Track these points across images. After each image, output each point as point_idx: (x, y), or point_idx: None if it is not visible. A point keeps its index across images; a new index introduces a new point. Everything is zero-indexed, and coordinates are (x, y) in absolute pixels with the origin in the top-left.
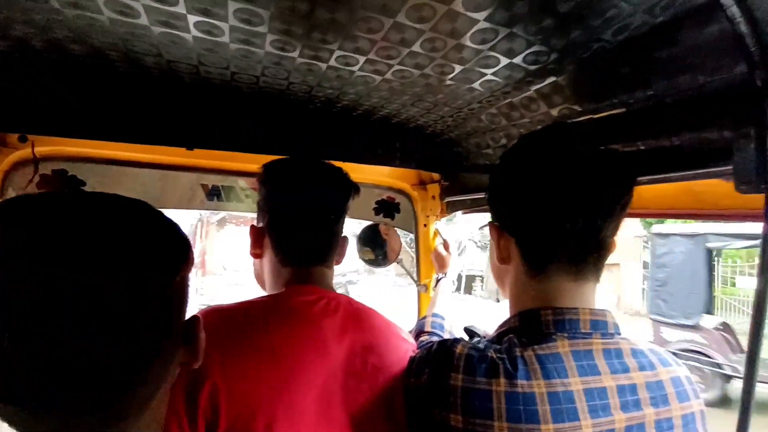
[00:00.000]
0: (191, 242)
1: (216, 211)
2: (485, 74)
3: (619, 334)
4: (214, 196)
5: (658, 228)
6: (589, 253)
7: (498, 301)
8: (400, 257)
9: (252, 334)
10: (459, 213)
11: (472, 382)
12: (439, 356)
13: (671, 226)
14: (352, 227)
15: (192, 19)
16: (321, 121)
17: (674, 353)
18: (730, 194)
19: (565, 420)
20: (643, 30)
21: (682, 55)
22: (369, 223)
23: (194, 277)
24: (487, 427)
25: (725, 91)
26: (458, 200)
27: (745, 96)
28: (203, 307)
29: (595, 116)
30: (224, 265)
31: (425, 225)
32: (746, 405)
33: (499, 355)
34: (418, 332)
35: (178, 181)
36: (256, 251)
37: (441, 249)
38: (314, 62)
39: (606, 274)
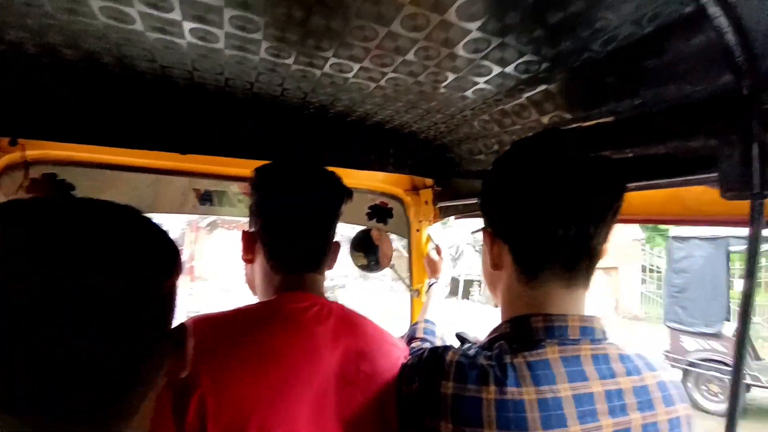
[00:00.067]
0: (180, 248)
1: (206, 216)
2: (478, 82)
3: (607, 339)
4: (207, 200)
5: (676, 230)
6: (581, 259)
7: (496, 306)
8: (392, 262)
9: (242, 343)
10: (454, 218)
11: (463, 389)
12: (430, 364)
13: (689, 228)
14: (346, 231)
15: (187, 25)
16: (315, 126)
17: (693, 363)
18: (716, 201)
19: (553, 426)
20: (631, 40)
21: (669, 66)
22: (362, 228)
23: (183, 283)
24: None
25: (711, 101)
26: (451, 205)
27: (730, 105)
28: (192, 314)
29: (585, 124)
30: (214, 270)
31: (418, 230)
32: (733, 407)
33: (489, 362)
34: (410, 338)
35: (170, 186)
36: (248, 256)
37: (433, 254)
38: (309, 69)
39: (604, 278)
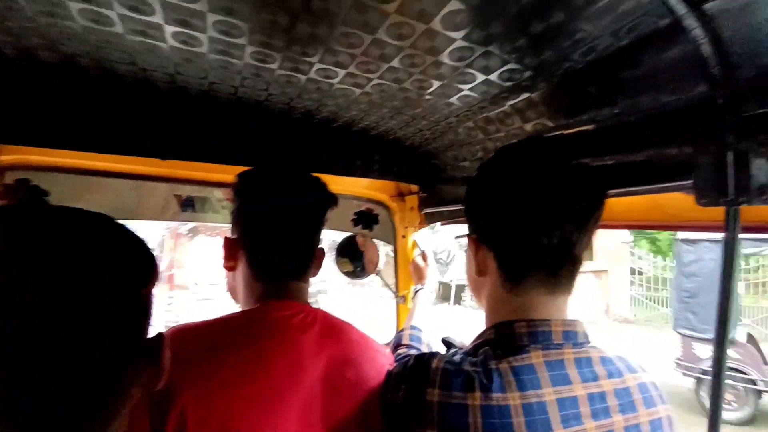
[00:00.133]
0: (158, 255)
1: (186, 222)
2: (462, 89)
3: (589, 343)
4: (188, 207)
5: (684, 233)
6: (564, 265)
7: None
8: (379, 269)
9: (224, 354)
10: (440, 224)
11: (449, 396)
12: (415, 371)
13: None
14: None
15: (169, 29)
16: (300, 132)
17: (706, 371)
18: (693, 207)
19: (539, 430)
20: (609, 52)
21: (646, 76)
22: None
23: (162, 292)
24: None
25: (686, 110)
26: (436, 212)
27: (704, 114)
28: (171, 324)
29: (567, 132)
30: (195, 279)
31: (404, 236)
32: (716, 406)
33: (474, 368)
34: (396, 345)
35: (150, 192)
36: (230, 264)
37: (419, 260)
38: (294, 74)
39: (595, 281)
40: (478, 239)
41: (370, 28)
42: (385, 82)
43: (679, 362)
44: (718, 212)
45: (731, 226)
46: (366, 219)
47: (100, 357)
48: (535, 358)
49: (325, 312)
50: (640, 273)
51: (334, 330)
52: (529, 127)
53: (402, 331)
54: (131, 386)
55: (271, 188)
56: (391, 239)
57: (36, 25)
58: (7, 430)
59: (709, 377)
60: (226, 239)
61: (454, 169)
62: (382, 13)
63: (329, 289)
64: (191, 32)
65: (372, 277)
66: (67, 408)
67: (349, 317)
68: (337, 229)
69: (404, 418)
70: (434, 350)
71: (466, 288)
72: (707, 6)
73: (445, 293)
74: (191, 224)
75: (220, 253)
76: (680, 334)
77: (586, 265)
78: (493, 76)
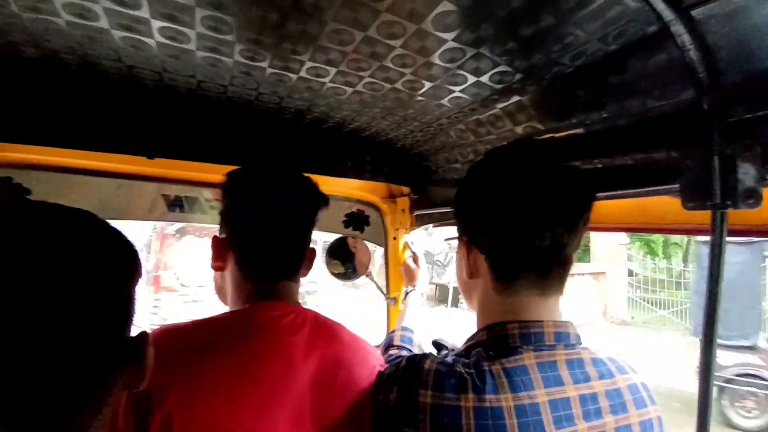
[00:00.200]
0: (143, 255)
1: (173, 222)
2: (454, 91)
3: (581, 344)
4: (177, 207)
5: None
6: (555, 267)
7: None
8: (369, 270)
9: (213, 355)
10: (432, 226)
11: (441, 398)
12: (407, 372)
13: None
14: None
15: (156, 24)
16: (291, 132)
17: (730, 379)
18: (677, 210)
19: None
20: (598, 56)
21: (633, 81)
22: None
23: (147, 294)
24: None
25: (672, 115)
26: (427, 214)
27: (691, 119)
28: (157, 327)
29: (557, 135)
30: (183, 280)
31: (395, 238)
32: (704, 408)
33: (467, 369)
34: (387, 346)
35: (137, 191)
36: (218, 264)
37: (410, 262)
38: (284, 73)
39: (593, 283)
40: (469, 241)
41: (361, 26)
42: (376, 80)
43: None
44: (705, 216)
45: (717, 230)
46: (357, 220)
47: (97, 357)
48: (528, 359)
49: (315, 313)
50: (637, 275)
51: (324, 331)
52: (519, 129)
53: (393, 332)
54: (113, 385)
55: (261, 187)
56: (382, 241)
57: (20, 21)
58: (7, 430)
59: (734, 386)
60: (215, 238)
61: (446, 170)
62: (372, 11)
63: (319, 290)
64: (178, 27)
65: (366, 278)
66: (67, 408)
67: (344, 319)
68: (328, 230)
69: (395, 420)
70: (426, 352)
71: None
72: (695, 12)
73: (442, 296)
74: (178, 224)
75: (209, 253)
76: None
77: (584, 267)
78: (484, 78)
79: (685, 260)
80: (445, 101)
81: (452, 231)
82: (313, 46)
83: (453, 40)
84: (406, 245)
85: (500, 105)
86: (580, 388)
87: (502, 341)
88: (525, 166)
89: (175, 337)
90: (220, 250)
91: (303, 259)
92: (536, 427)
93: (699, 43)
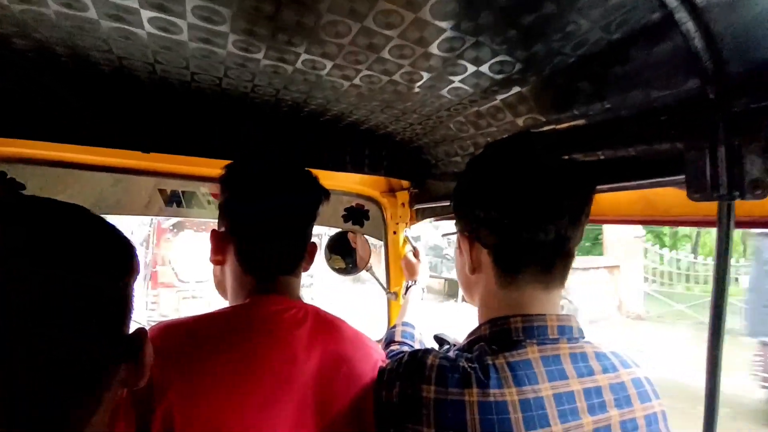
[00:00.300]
0: (142, 251)
1: (170, 217)
2: (453, 81)
3: (584, 338)
4: (174, 202)
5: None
6: (557, 260)
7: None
8: (369, 265)
9: (214, 350)
10: (431, 220)
11: (444, 393)
12: (410, 368)
13: None
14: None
15: (146, 14)
16: (288, 126)
17: None
18: (683, 202)
19: (536, 427)
20: (600, 45)
21: (636, 71)
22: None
23: (144, 290)
24: None
25: (677, 105)
26: (428, 207)
27: (696, 109)
28: (155, 324)
29: (558, 126)
30: (181, 275)
31: (395, 232)
32: (711, 407)
33: (470, 364)
34: (388, 342)
35: (133, 186)
36: (218, 258)
37: (411, 256)
38: (280, 64)
39: (607, 276)
40: (470, 236)
41: (357, 16)
42: (374, 73)
43: (757, 373)
44: (711, 207)
45: (724, 221)
46: (356, 215)
47: (96, 356)
48: (531, 353)
49: (316, 307)
50: (653, 268)
51: (326, 326)
52: (520, 121)
53: (394, 327)
54: (111, 383)
55: (261, 181)
56: (382, 235)
57: (9, 12)
58: (7, 430)
59: None
60: (214, 232)
61: (446, 164)
62: (369, 0)
63: (315, 283)
64: (169, 17)
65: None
66: (66, 407)
67: (341, 313)
68: (327, 225)
69: (399, 416)
70: (427, 347)
71: None
72: None
73: (451, 290)
74: (175, 219)
75: (208, 247)
76: (762, 343)
77: (598, 261)
78: (484, 68)
79: (694, 252)
80: (444, 92)
81: (452, 225)
82: (308, 37)
83: (452, 28)
84: (407, 239)
85: (500, 96)
86: (584, 381)
87: (505, 335)
88: (525, 160)
89: (175, 332)
90: (220, 244)
91: (304, 254)
92: (541, 421)
93: (704, 31)
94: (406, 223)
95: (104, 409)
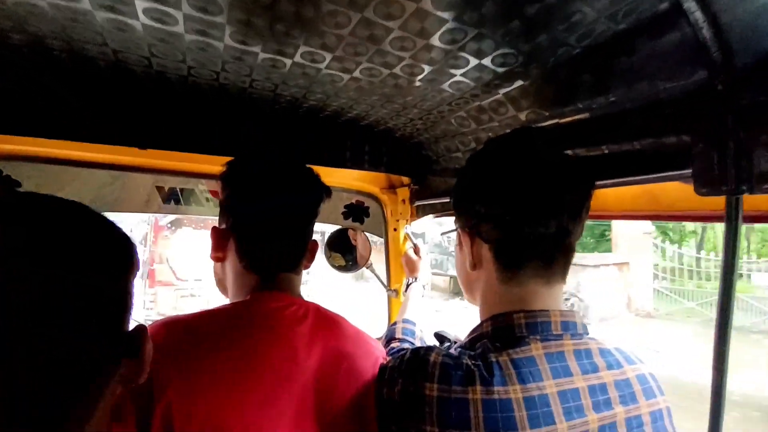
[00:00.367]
0: (140, 249)
1: (167, 214)
2: (455, 75)
3: (588, 334)
4: (172, 199)
5: None
6: (558, 255)
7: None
8: (370, 262)
9: (215, 347)
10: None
11: (448, 391)
12: (412, 365)
13: None
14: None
15: (140, 4)
16: (287, 122)
17: None
18: (688, 197)
19: (541, 425)
20: (606, 36)
21: (642, 63)
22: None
23: (141, 288)
24: None
25: (684, 98)
26: (428, 204)
27: (702, 102)
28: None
29: (561, 121)
30: (179, 273)
31: (395, 229)
32: (717, 405)
33: (473, 361)
34: (389, 339)
35: (131, 184)
36: (218, 254)
37: (411, 253)
38: (278, 58)
39: (616, 273)
40: (471, 231)
41: (357, 6)
42: (374, 66)
43: None
44: (717, 202)
45: (733, 216)
46: (356, 212)
47: (97, 356)
48: (535, 350)
49: (317, 305)
50: (662, 266)
51: (327, 323)
52: (522, 116)
53: (394, 324)
54: (110, 380)
55: (262, 178)
56: (382, 232)
57: (3, 6)
58: (7, 430)
59: None
60: (215, 229)
61: (447, 160)
62: None
63: (310, 280)
64: (164, 8)
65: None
66: (66, 407)
67: (346, 313)
68: (327, 222)
69: (400, 415)
70: (429, 344)
71: None
72: None
73: (456, 288)
74: (173, 216)
75: (208, 244)
76: None
77: (607, 258)
78: (486, 61)
79: (699, 248)
80: (445, 86)
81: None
82: (307, 28)
83: (454, 19)
84: (407, 236)
85: (503, 90)
86: (588, 378)
87: (507, 331)
88: (526, 155)
89: (175, 329)
90: (221, 241)
91: (305, 251)
92: (546, 418)
93: (712, 21)
94: (407, 220)
95: (104, 405)
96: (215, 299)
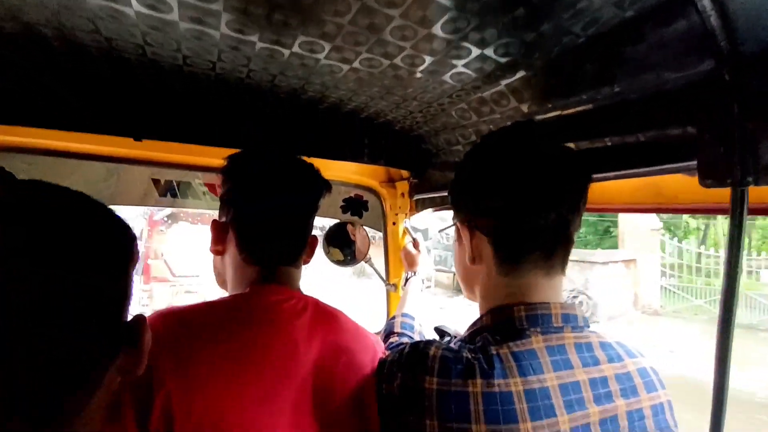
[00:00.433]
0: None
1: (163, 208)
2: (456, 66)
3: (588, 327)
4: (169, 192)
5: None
6: (558, 247)
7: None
8: (368, 256)
9: (213, 339)
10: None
11: (447, 384)
12: (412, 359)
13: None
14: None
15: None
16: (285, 113)
17: None
18: (691, 189)
19: (542, 417)
20: (612, 24)
21: (648, 52)
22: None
23: (136, 284)
24: (464, 431)
25: (690, 88)
26: (428, 198)
27: (709, 92)
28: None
29: (564, 112)
30: (175, 269)
31: (394, 223)
32: (719, 404)
33: (473, 354)
34: (388, 333)
35: (127, 176)
36: (218, 248)
37: (410, 247)
38: (276, 47)
39: (623, 270)
40: (471, 225)
41: None
42: (374, 56)
43: None
44: (721, 194)
45: (738, 208)
46: (355, 206)
47: (97, 356)
48: (536, 342)
49: (316, 299)
50: (670, 263)
51: (326, 316)
52: (524, 107)
53: (393, 319)
54: (108, 370)
55: (263, 175)
56: (381, 226)
57: None
58: (7, 430)
59: None
60: (215, 222)
61: (447, 153)
62: None
63: (305, 275)
64: None
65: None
66: (67, 406)
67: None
68: (326, 216)
69: (400, 409)
70: (428, 338)
71: None
72: None
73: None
74: (169, 210)
75: (206, 240)
76: None
77: (615, 255)
78: (489, 51)
79: (701, 244)
80: (446, 78)
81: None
82: (305, 16)
83: (456, 7)
84: (406, 230)
85: (505, 81)
86: (590, 371)
87: (508, 324)
88: (525, 147)
89: (174, 320)
90: (220, 234)
91: (305, 246)
92: (547, 411)
93: (719, 8)
94: (406, 214)
95: (101, 395)
96: (212, 296)
